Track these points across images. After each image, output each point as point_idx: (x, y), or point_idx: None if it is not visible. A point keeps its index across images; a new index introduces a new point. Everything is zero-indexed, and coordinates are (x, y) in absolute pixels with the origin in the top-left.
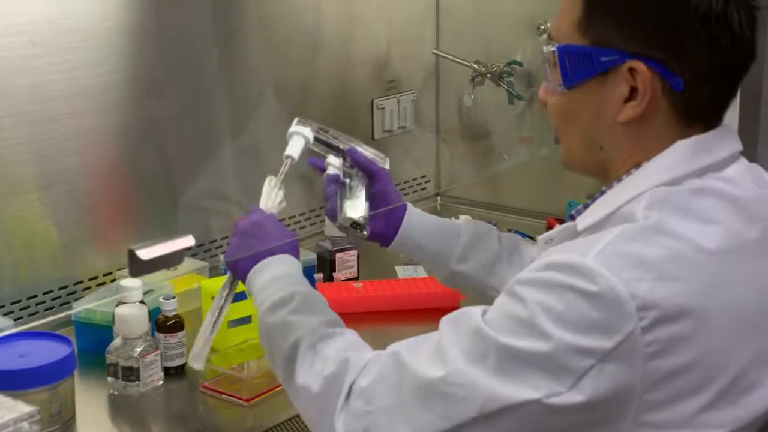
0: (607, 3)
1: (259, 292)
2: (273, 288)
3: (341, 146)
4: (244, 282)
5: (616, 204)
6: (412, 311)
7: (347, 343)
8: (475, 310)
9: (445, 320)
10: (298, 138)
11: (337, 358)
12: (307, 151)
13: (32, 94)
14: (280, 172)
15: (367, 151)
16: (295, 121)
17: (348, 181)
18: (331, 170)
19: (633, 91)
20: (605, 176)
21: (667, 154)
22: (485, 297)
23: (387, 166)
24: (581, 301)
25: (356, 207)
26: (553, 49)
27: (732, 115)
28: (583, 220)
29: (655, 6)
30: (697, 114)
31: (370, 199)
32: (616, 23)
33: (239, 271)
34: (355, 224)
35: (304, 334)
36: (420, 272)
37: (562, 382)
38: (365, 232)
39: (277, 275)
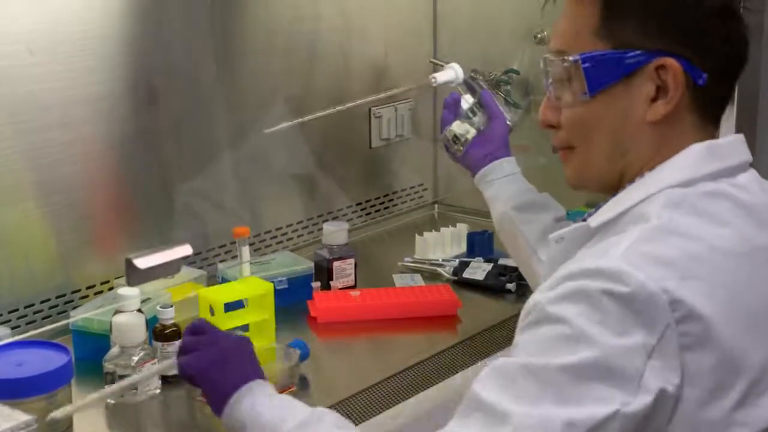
0: (627, 5)
1: (261, 413)
2: (283, 406)
3: (478, 89)
4: (218, 405)
5: (629, 203)
6: (409, 319)
7: None
8: (504, 359)
9: (478, 384)
10: (450, 71)
11: None
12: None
13: (30, 103)
14: (416, 85)
15: (498, 103)
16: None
17: (469, 113)
18: (462, 103)
19: (658, 90)
20: (617, 186)
21: (681, 156)
22: (518, 250)
23: (508, 122)
24: (616, 305)
25: (464, 127)
26: (574, 58)
27: (729, 122)
28: (596, 219)
29: (675, 3)
30: (712, 112)
31: (483, 135)
32: (638, 23)
33: (215, 395)
34: (456, 138)
35: None
36: (417, 281)
37: (626, 389)
38: (461, 148)
39: (269, 393)
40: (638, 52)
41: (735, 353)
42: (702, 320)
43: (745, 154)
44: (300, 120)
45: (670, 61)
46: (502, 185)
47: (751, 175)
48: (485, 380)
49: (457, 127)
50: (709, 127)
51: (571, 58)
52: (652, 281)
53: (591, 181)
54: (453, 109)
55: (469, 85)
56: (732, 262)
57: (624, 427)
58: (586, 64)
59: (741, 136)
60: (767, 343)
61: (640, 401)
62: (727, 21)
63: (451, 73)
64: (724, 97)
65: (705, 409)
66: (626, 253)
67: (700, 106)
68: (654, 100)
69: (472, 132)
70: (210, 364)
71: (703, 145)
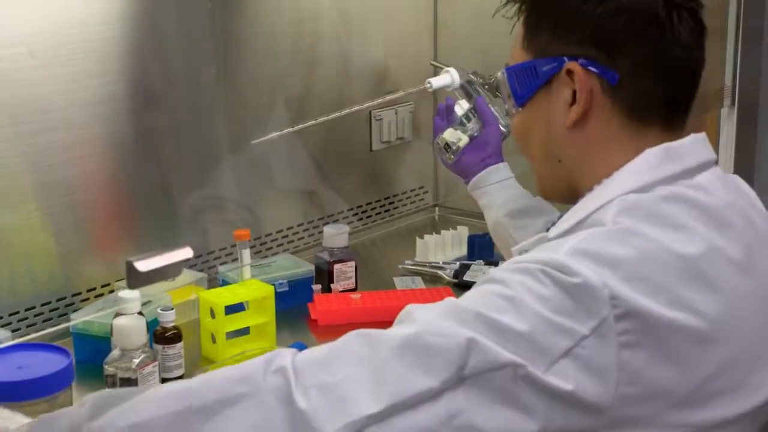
0: (541, 13)
1: None
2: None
3: (474, 94)
4: None
5: (586, 212)
6: None
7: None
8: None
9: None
10: (446, 76)
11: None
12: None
13: (31, 106)
14: (412, 90)
15: (494, 109)
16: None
17: (464, 119)
18: (457, 109)
19: (575, 95)
20: (576, 195)
21: (635, 162)
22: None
23: (503, 128)
24: (557, 291)
25: (456, 135)
26: (502, 72)
27: (729, 127)
28: (555, 230)
29: (581, 5)
30: (647, 112)
31: (476, 142)
32: (551, 30)
33: None
34: (447, 146)
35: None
36: (418, 283)
37: (540, 359)
38: (453, 156)
39: None
40: (552, 58)
41: (682, 354)
42: (644, 318)
43: (705, 154)
44: (288, 130)
45: (574, 65)
46: (496, 192)
47: (713, 174)
48: (422, 304)
49: (449, 134)
50: (654, 129)
51: (498, 74)
52: (594, 275)
53: (548, 191)
54: (445, 116)
55: (466, 90)
56: (687, 264)
57: (529, 389)
58: (510, 76)
59: (701, 136)
60: (724, 344)
61: (548, 377)
62: (636, 19)
63: (447, 78)
64: (665, 96)
65: (641, 408)
66: (572, 249)
67: (627, 106)
68: (573, 105)
69: (465, 140)
70: None
71: (658, 149)
